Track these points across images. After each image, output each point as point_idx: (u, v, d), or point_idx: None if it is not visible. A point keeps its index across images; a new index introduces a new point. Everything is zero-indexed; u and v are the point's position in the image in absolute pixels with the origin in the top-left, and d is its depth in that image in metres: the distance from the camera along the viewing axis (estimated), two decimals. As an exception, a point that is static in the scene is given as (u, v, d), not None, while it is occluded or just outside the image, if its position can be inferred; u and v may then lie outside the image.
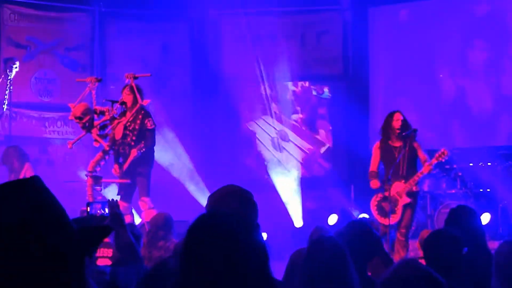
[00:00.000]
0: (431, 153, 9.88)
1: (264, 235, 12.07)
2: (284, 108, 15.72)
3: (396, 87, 14.84)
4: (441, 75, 14.47)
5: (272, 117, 15.67)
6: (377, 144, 9.93)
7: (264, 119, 15.79)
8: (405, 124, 9.67)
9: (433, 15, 14.58)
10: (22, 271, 1.66)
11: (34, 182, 1.77)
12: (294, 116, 15.77)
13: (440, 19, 14.51)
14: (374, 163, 9.87)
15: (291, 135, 15.64)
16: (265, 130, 15.69)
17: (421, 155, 9.59)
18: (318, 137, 15.60)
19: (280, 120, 15.71)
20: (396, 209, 9.63)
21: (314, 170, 15.50)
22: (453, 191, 12.76)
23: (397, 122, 9.66)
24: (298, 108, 15.69)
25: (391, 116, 9.76)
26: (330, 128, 15.55)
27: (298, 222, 14.36)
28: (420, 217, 12.68)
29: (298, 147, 15.62)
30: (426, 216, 12.76)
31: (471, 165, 12.86)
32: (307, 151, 15.55)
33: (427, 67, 14.60)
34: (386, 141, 9.75)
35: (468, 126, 13.71)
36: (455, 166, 12.82)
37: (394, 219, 9.64)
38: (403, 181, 9.59)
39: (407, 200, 9.55)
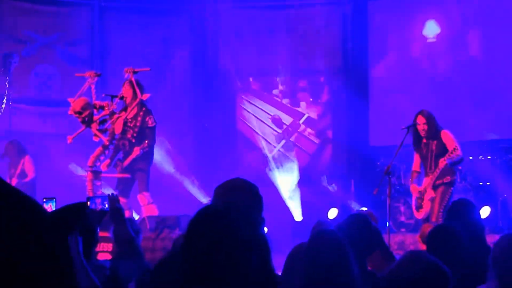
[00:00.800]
0: None
1: (265, 230, 12.08)
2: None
3: (395, 80, 14.83)
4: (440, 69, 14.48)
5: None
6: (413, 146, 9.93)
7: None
8: (430, 123, 9.63)
9: (432, 7, 14.57)
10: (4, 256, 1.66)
11: None
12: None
13: (439, 11, 14.51)
14: (415, 163, 9.90)
15: (284, 117, 15.70)
16: (263, 121, 15.71)
17: (449, 148, 9.55)
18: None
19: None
20: (423, 203, 9.67)
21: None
22: (453, 185, 12.74)
23: (421, 126, 9.66)
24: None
25: (415, 119, 9.75)
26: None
27: (298, 216, 14.36)
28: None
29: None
30: (426, 209, 12.76)
31: (470, 159, 12.85)
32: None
33: (427, 59, 14.59)
34: (418, 140, 9.75)
35: (467, 119, 13.70)
36: (455, 159, 12.81)
37: (421, 213, 9.69)
38: (430, 175, 9.60)
39: (431, 194, 9.56)
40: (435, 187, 9.61)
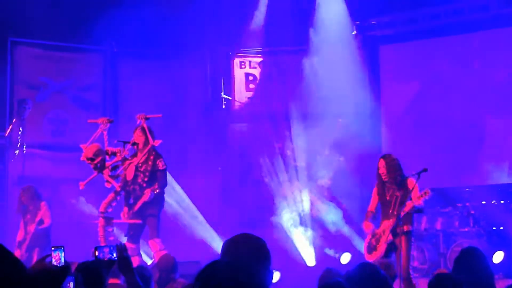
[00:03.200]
0: (444, 191, 9.75)
1: (278, 274, 12.02)
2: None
3: (408, 123, 14.83)
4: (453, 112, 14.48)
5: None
6: (375, 189, 9.90)
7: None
8: (390, 168, 9.61)
9: (444, 52, 14.61)
10: None
11: None
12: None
13: (451, 56, 14.55)
14: (372, 204, 9.87)
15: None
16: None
17: (413, 195, 9.45)
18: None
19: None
20: (378, 246, 9.57)
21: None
22: (466, 229, 12.68)
23: (380, 169, 9.68)
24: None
25: (378, 163, 9.78)
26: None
27: (310, 261, 14.29)
28: (433, 255, 12.62)
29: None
30: (438, 254, 12.69)
31: (483, 203, 12.80)
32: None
33: (439, 103, 14.59)
34: (382, 184, 9.73)
35: (480, 164, 13.66)
36: (467, 204, 12.77)
37: (375, 255, 9.56)
38: (392, 219, 9.50)
39: (389, 238, 9.47)
40: (395, 234, 9.49)
